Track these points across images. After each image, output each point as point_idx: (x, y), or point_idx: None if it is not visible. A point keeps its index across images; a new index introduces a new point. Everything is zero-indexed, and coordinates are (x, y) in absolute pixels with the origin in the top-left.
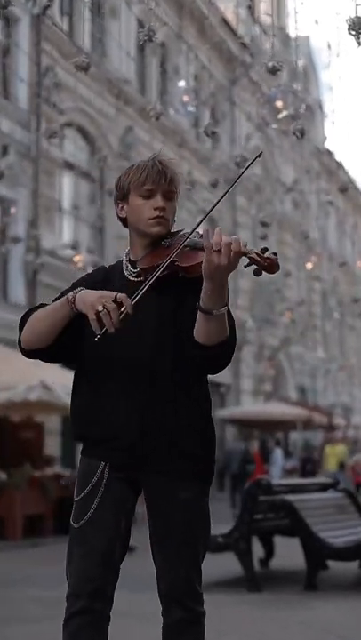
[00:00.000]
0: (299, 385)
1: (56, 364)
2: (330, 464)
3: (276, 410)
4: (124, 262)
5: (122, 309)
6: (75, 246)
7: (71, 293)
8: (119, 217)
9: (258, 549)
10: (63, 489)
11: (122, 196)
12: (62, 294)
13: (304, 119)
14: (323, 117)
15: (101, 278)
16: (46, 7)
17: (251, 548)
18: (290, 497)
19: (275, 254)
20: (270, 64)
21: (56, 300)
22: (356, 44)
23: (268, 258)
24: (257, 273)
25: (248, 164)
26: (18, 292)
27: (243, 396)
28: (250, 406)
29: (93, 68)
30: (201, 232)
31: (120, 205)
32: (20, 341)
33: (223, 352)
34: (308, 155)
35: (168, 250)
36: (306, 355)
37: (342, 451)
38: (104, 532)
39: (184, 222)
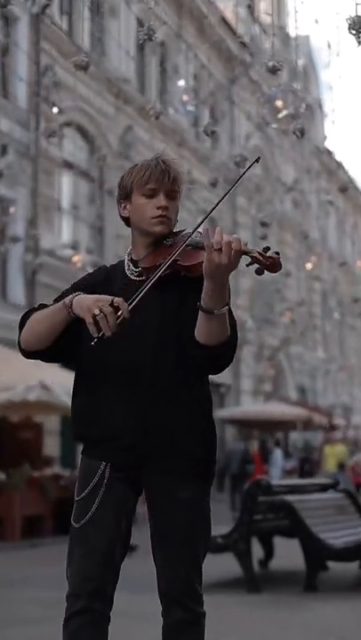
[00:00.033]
0: (299, 385)
1: (55, 365)
2: (329, 464)
3: (276, 410)
4: (125, 262)
5: (119, 313)
6: (74, 246)
7: (69, 297)
8: (122, 216)
9: (257, 550)
10: (62, 489)
11: (125, 195)
12: (63, 294)
13: (304, 118)
14: (323, 117)
15: (103, 278)
16: (45, 6)
17: (250, 548)
18: (290, 497)
19: (277, 253)
20: (271, 63)
21: (56, 300)
22: (357, 44)
23: (270, 257)
24: (259, 272)
25: (245, 170)
26: (17, 291)
27: (242, 396)
28: (250, 406)
29: (93, 68)
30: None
31: (123, 205)
32: (19, 342)
33: (224, 352)
34: (309, 154)
35: (170, 249)
36: (306, 355)
37: (342, 451)
38: (105, 532)
39: (184, 222)
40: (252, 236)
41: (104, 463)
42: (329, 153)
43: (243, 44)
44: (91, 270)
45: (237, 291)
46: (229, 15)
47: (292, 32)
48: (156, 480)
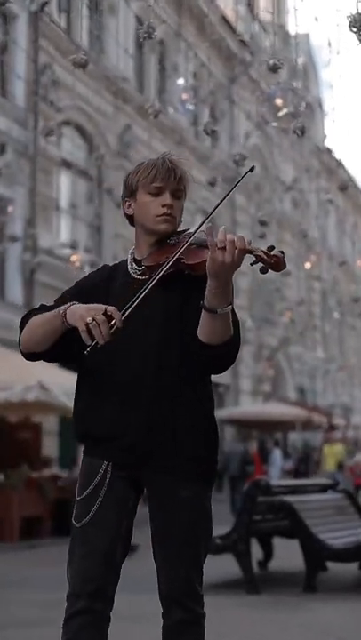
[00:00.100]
0: (298, 385)
1: (54, 365)
2: (328, 464)
3: (276, 410)
4: (128, 260)
5: (112, 322)
6: (73, 245)
7: (63, 307)
8: (126, 214)
9: (257, 551)
10: (61, 490)
11: (130, 193)
12: (63, 295)
13: (304, 117)
14: (323, 115)
15: (105, 276)
16: (44, 4)
17: (249, 549)
18: (289, 498)
19: (281, 252)
20: (271, 62)
21: (57, 300)
22: (358, 42)
23: (274, 256)
24: (263, 271)
25: (240, 178)
26: (15, 291)
27: (241, 396)
28: (249, 407)
29: (91, 66)
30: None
31: (127, 203)
32: (19, 343)
33: (227, 351)
34: (308, 153)
35: (174, 248)
36: (305, 355)
37: (340, 451)
38: (106, 532)
39: (183, 221)
40: (251, 235)
41: (106, 462)
42: (329, 152)
43: (242, 43)
44: (89, 269)
45: (236, 290)
46: (229, 13)
47: (291, 30)
48: (158, 479)
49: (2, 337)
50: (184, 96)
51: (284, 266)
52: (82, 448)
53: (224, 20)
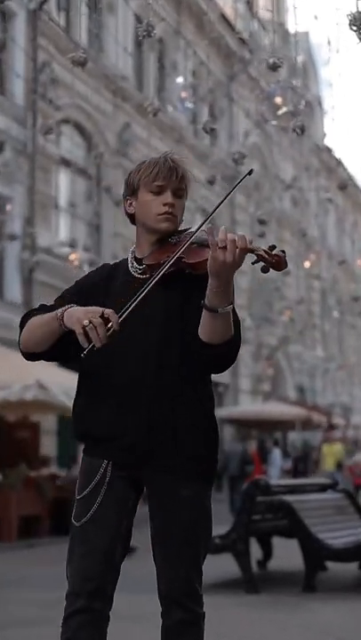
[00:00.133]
0: (298, 384)
1: (53, 364)
2: (327, 464)
3: (275, 410)
4: (129, 259)
5: (109, 325)
6: (72, 244)
7: (61, 310)
8: (127, 213)
9: (256, 550)
10: (59, 489)
11: (131, 191)
12: (63, 295)
13: (304, 116)
14: (322, 114)
15: (105, 275)
16: (43, 2)
17: (249, 549)
18: (288, 497)
19: (283, 252)
20: (271, 60)
21: (57, 299)
22: (358, 40)
23: (275, 255)
24: (264, 270)
25: (238, 181)
26: (14, 290)
27: (241, 395)
28: (248, 406)
29: (90, 64)
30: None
31: (129, 201)
32: (19, 343)
33: (228, 351)
34: (308, 152)
35: (175, 247)
36: (305, 354)
37: (339, 450)
38: (106, 531)
39: (183, 220)
40: (250, 233)
41: (106, 461)
42: (328, 150)
43: (242, 41)
44: (88, 268)
45: (236, 289)
46: (228, 11)
47: (291, 28)
48: (158, 478)
49: (1, 336)
50: (183, 94)
51: (286, 265)
52: (81, 447)
53: (223, 17)
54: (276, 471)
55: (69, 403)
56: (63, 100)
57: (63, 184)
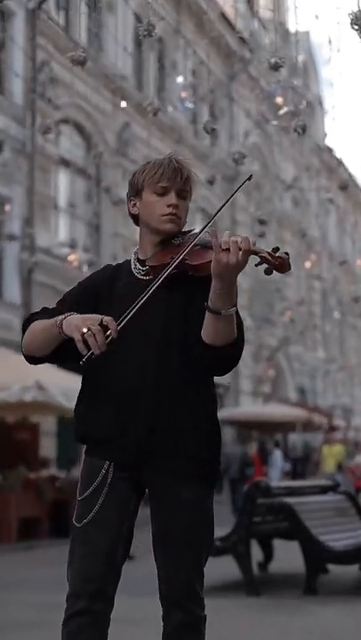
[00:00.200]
0: (298, 385)
1: (52, 365)
2: (328, 465)
3: (276, 411)
4: (132, 260)
5: (107, 333)
6: (72, 245)
7: (60, 317)
8: (131, 213)
9: (257, 553)
10: (58, 491)
11: (135, 192)
12: (65, 298)
13: (304, 115)
14: (323, 114)
15: (108, 276)
16: (42, 1)
17: (249, 551)
18: (289, 499)
19: (286, 254)
20: (273, 60)
21: (59, 302)
22: (359, 39)
23: (279, 257)
24: (268, 272)
25: (237, 188)
26: (13, 290)
27: (241, 396)
28: (249, 407)
29: (90, 63)
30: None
31: (132, 202)
32: (22, 346)
33: (231, 353)
34: (308, 152)
35: (178, 248)
36: (306, 355)
37: (340, 451)
38: (108, 532)
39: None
40: (250, 233)
41: (107, 462)
42: (329, 150)
43: (242, 40)
44: (87, 269)
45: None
46: (228, 10)
47: (291, 28)
48: (160, 480)
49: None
50: (183, 94)
51: (289, 267)
52: (80, 449)
53: (223, 17)
54: (276, 473)
55: (69, 404)
56: (62, 99)
57: (62, 184)
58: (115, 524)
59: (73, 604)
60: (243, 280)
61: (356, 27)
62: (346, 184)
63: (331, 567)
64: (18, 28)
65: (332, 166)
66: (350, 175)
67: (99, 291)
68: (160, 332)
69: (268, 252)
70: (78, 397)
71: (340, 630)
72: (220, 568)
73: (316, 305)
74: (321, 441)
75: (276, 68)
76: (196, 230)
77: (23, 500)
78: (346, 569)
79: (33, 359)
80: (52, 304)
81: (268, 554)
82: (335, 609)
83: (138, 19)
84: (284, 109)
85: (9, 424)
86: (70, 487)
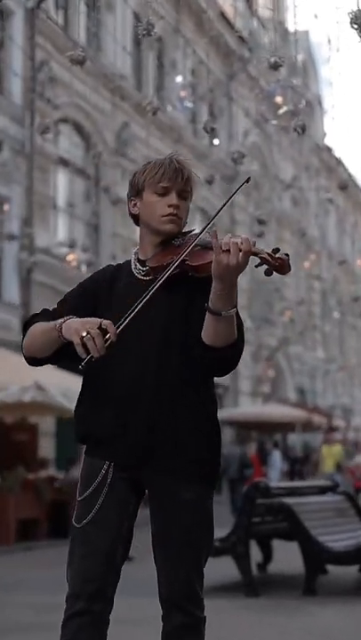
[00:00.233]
0: (298, 386)
1: (50, 365)
2: (327, 465)
3: (276, 411)
4: (132, 261)
5: (107, 336)
6: (71, 244)
7: (60, 321)
8: (131, 214)
9: (256, 553)
10: (57, 492)
11: (136, 192)
12: (65, 299)
13: (304, 115)
14: (322, 113)
15: (108, 277)
16: (41, 0)
17: (248, 551)
18: (288, 500)
19: (286, 255)
20: (272, 59)
21: (59, 302)
22: (359, 38)
23: (279, 258)
24: (268, 273)
25: (235, 190)
26: (12, 290)
27: (241, 397)
28: (248, 408)
29: (89, 63)
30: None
31: (133, 202)
32: (22, 348)
33: (231, 354)
34: (308, 151)
35: (179, 249)
36: (305, 355)
37: (339, 452)
38: (107, 532)
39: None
40: (249, 234)
41: (107, 463)
42: (329, 150)
43: (241, 39)
44: (86, 269)
45: None
46: (228, 9)
47: (291, 27)
48: (160, 480)
49: None
50: (182, 93)
51: (289, 268)
52: (79, 449)
53: (223, 16)
54: (276, 473)
55: (68, 404)
56: (61, 99)
57: (61, 184)
58: (114, 524)
59: (72, 604)
60: (242, 280)
61: (356, 26)
62: (345, 184)
63: (330, 568)
64: (17, 27)
65: (332, 166)
66: (350, 175)
67: (98, 292)
68: (160, 332)
69: (269, 253)
70: (79, 399)
71: (340, 631)
72: (218, 569)
73: (316, 305)
74: (320, 441)
75: (275, 67)
76: (197, 231)
77: (22, 500)
78: (345, 570)
79: (34, 361)
80: (51, 304)
81: (268, 554)
82: (334, 610)
83: (137, 18)
84: (284, 109)
85: (8, 424)
86: (69, 488)
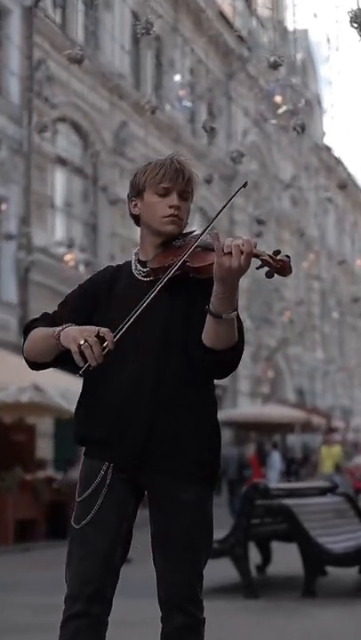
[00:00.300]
0: (297, 386)
1: None
2: (326, 466)
3: (275, 412)
4: (133, 262)
5: (104, 344)
6: (69, 244)
7: (58, 328)
8: (132, 214)
9: (255, 555)
10: (55, 492)
11: (136, 192)
12: (66, 300)
13: (303, 114)
14: (322, 112)
15: (108, 278)
16: None
17: (247, 553)
18: (287, 501)
19: (287, 257)
20: (272, 59)
21: (60, 304)
22: (359, 37)
23: (280, 260)
24: (269, 275)
25: (233, 194)
26: (9, 290)
27: (240, 397)
28: (247, 408)
29: (87, 62)
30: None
31: (133, 202)
32: (23, 351)
33: (232, 357)
34: (307, 151)
35: (179, 250)
36: (304, 355)
37: (338, 452)
38: (106, 533)
39: None
40: (248, 234)
41: (106, 464)
42: (328, 149)
43: (240, 38)
44: (84, 269)
45: None
46: (226, 9)
47: (290, 26)
48: (159, 481)
49: None
50: (181, 92)
51: (290, 270)
52: (78, 450)
53: (221, 15)
54: (275, 474)
55: (66, 405)
56: (59, 98)
57: (59, 183)
58: (113, 525)
59: (71, 606)
60: (242, 281)
61: (355, 25)
62: (345, 183)
63: (329, 569)
64: (14, 26)
65: (331, 165)
66: (349, 174)
67: (98, 293)
68: (160, 333)
69: (270, 255)
70: (79, 400)
71: (339, 633)
72: (217, 570)
73: (315, 305)
74: (320, 442)
75: (275, 66)
76: (197, 232)
77: (20, 501)
78: (345, 571)
79: (35, 365)
80: (48, 303)
81: (267, 556)
82: (334, 611)
83: (135, 17)
84: (283, 108)
85: (5, 425)
86: (67, 488)
